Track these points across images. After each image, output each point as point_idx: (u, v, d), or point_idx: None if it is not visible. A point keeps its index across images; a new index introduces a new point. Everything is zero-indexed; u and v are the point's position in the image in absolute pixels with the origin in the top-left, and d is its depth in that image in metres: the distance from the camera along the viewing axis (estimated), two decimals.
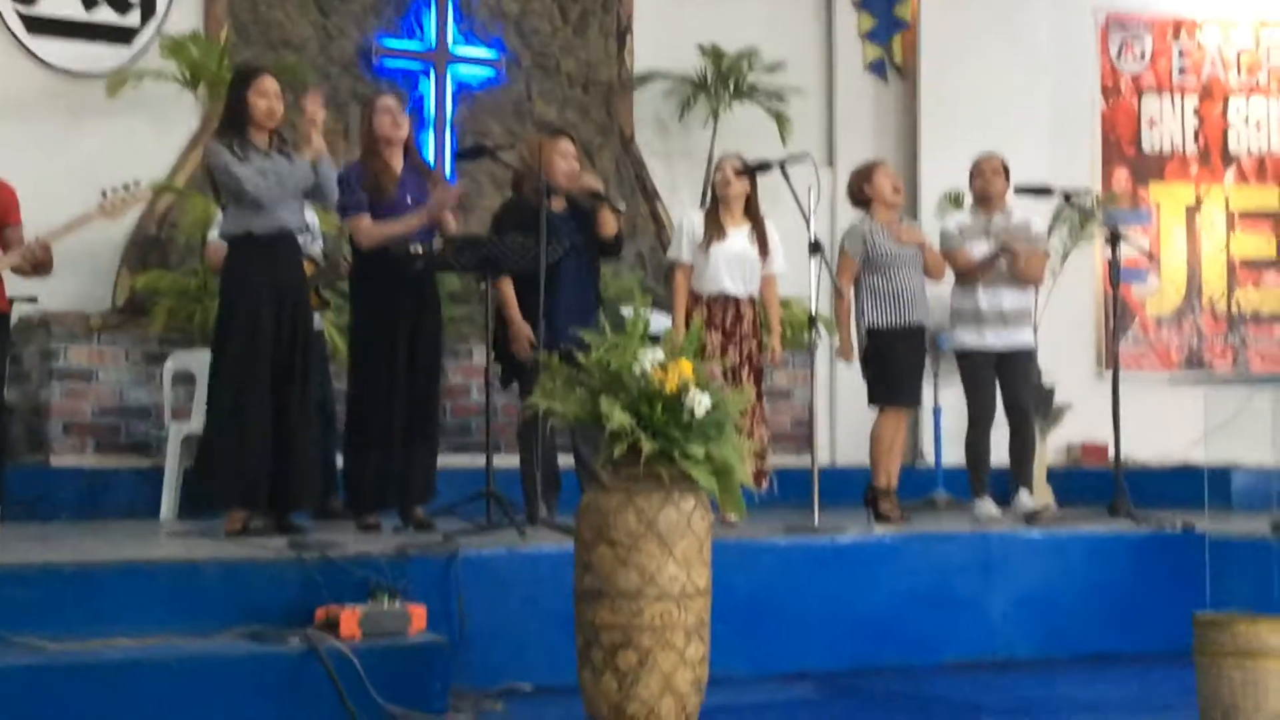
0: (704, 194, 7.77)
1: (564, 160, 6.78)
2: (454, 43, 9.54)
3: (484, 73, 9.64)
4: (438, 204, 6.62)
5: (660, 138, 10.13)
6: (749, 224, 7.12)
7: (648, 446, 4.43)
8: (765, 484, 7.03)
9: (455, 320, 8.55)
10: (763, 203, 7.25)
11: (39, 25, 8.61)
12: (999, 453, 7.73)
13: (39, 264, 6.50)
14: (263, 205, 6.14)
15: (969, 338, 7.67)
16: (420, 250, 6.44)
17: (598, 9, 10.01)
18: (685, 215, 7.32)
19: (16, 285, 6.79)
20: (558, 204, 6.72)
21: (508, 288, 6.65)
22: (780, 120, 9.85)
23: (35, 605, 4.71)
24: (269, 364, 6.16)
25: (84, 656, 4.49)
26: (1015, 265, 7.59)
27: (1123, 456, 7.37)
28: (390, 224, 6.55)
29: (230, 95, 6.39)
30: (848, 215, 7.91)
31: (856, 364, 7.54)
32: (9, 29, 8.54)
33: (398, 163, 6.69)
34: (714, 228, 7.04)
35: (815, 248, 6.67)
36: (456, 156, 9.03)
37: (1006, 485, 7.74)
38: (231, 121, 6.29)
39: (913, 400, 7.58)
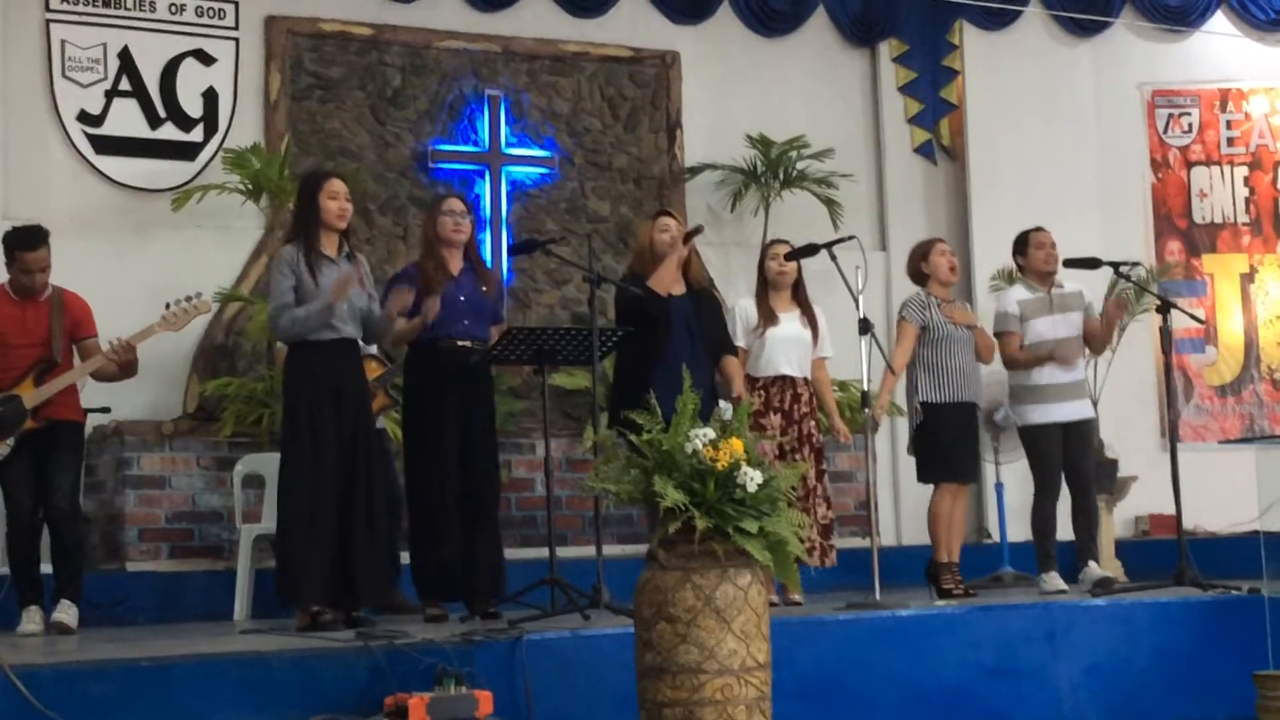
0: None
1: (663, 234, 6.88)
2: (507, 144, 9.74)
3: (537, 171, 9.84)
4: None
5: (714, 228, 10.25)
6: (799, 308, 7.23)
7: (701, 523, 4.52)
8: (830, 561, 7.08)
9: (516, 415, 8.65)
10: (816, 287, 7.37)
11: (106, 145, 8.89)
12: (1065, 529, 7.72)
13: (126, 364, 6.76)
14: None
15: (1033, 412, 7.61)
16: (471, 344, 6.58)
17: (647, 105, 10.19)
18: (738, 302, 7.42)
19: (90, 397, 7.01)
20: (677, 288, 6.85)
21: None
22: (831, 206, 9.95)
23: (113, 702, 4.78)
24: (334, 464, 6.29)
25: None
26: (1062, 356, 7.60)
27: (1191, 526, 7.30)
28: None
29: (300, 199, 6.50)
30: (901, 297, 7.96)
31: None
32: (78, 150, 8.82)
33: (456, 263, 6.75)
34: (766, 312, 7.16)
35: (865, 326, 6.72)
36: (510, 252, 9.20)
37: (1073, 559, 7.71)
38: (304, 225, 6.41)
39: (964, 475, 7.58)
